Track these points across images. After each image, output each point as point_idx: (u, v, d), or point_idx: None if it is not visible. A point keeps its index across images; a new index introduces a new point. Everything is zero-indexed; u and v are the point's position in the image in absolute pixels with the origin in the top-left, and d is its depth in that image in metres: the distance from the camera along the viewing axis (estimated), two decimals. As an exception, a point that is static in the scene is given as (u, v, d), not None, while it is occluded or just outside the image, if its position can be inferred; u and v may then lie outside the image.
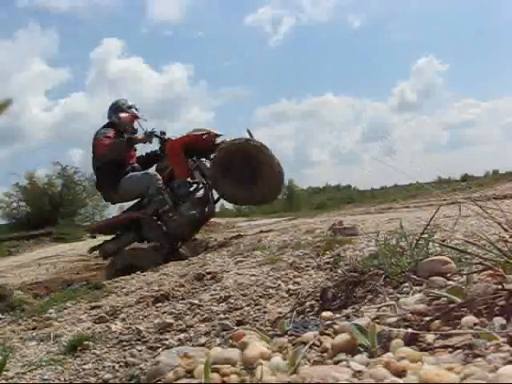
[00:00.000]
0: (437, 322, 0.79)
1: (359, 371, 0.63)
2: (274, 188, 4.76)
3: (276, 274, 2.40)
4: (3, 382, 1.72)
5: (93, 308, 2.71)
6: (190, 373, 0.75)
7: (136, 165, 5.08)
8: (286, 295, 2.11)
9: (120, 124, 5.07)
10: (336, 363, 0.70)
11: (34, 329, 2.51)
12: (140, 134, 5.05)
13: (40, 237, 13.21)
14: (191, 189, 5.01)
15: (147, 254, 4.73)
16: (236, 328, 1.79)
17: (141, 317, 2.31)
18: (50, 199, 19.09)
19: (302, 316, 1.60)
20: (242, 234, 5.30)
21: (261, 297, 2.17)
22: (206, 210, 5.01)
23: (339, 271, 1.80)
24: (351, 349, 0.73)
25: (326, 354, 0.75)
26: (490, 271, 0.95)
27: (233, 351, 0.78)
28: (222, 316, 2.07)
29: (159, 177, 4.87)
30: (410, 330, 0.76)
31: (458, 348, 0.67)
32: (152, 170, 5.06)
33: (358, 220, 4.28)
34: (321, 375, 0.62)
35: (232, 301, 2.19)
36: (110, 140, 4.84)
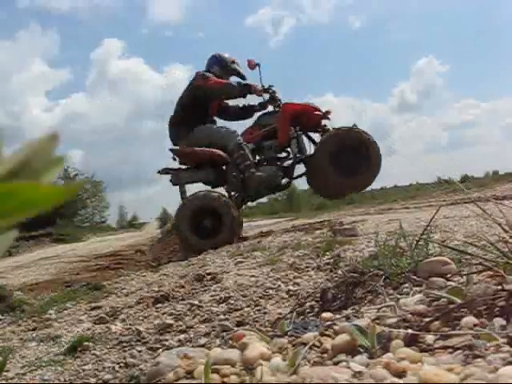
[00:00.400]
0: (437, 322, 0.79)
1: (359, 372, 0.63)
2: (372, 177, 4.78)
3: (276, 275, 2.40)
4: (3, 382, 1.72)
5: (93, 309, 2.71)
6: (189, 373, 0.75)
7: (214, 118, 5.08)
8: (286, 296, 2.11)
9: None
10: (336, 364, 0.70)
11: (33, 329, 2.51)
12: (258, 85, 4.98)
13: (40, 237, 13.22)
14: (280, 155, 5.01)
15: (223, 201, 4.78)
16: (236, 329, 1.79)
17: (141, 317, 2.31)
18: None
19: (301, 317, 1.60)
20: (244, 235, 5.30)
21: (261, 298, 2.17)
22: (283, 181, 5.00)
23: (339, 272, 1.80)
24: (351, 349, 0.73)
25: (325, 355, 0.75)
26: (489, 272, 0.95)
27: (233, 352, 0.78)
28: (221, 317, 2.07)
29: (238, 133, 4.87)
30: (409, 331, 0.76)
31: (457, 349, 0.67)
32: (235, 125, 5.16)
33: (358, 221, 4.28)
34: (321, 376, 0.63)
35: (232, 301, 2.19)
36: (220, 80, 4.82)
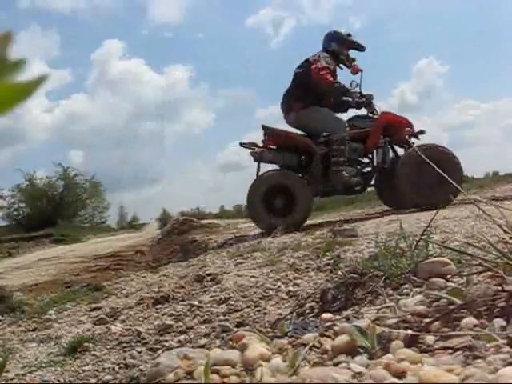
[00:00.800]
0: (437, 323, 0.79)
1: (359, 372, 0.63)
2: (452, 193, 4.74)
3: (276, 276, 2.40)
4: (3, 383, 1.72)
5: (93, 309, 2.71)
6: (189, 374, 0.75)
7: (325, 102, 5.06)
8: (286, 297, 2.11)
9: (337, 52, 5.09)
10: (336, 365, 0.70)
11: (33, 330, 2.51)
12: (356, 98, 5.07)
13: (40, 238, 13.21)
14: (363, 160, 5.08)
15: (300, 182, 4.84)
16: (236, 329, 1.79)
17: (141, 318, 2.31)
18: (50, 201, 19.10)
19: (301, 317, 1.60)
20: (243, 235, 5.30)
21: (261, 298, 2.17)
22: (359, 187, 5.06)
23: (339, 273, 1.80)
24: (351, 350, 0.73)
25: (325, 356, 0.75)
26: (490, 273, 0.95)
27: (233, 353, 0.78)
28: (221, 317, 2.07)
29: (347, 127, 4.89)
30: (409, 332, 0.76)
31: (457, 349, 0.67)
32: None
33: (358, 221, 4.28)
34: (321, 376, 0.63)
35: (232, 302, 2.19)
36: (332, 79, 4.86)
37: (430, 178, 4.50)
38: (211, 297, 2.32)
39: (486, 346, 0.66)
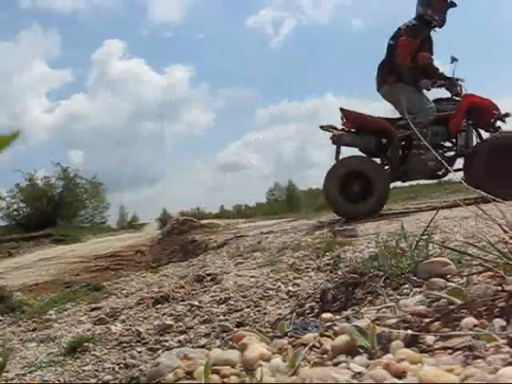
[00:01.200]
0: (437, 323, 0.79)
1: (359, 372, 0.63)
2: None
3: (276, 276, 2.40)
4: (3, 383, 1.72)
5: (93, 309, 2.71)
6: (189, 374, 0.75)
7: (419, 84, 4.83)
8: (286, 297, 2.11)
9: (429, 17, 4.79)
10: (336, 365, 0.70)
11: (33, 330, 2.51)
12: (439, 81, 4.86)
13: (40, 238, 13.22)
14: (445, 144, 4.90)
15: (377, 168, 4.72)
16: (236, 329, 1.79)
17: (141, 318, 2.31)
18: (49, 200, 19.10)
19: (301, 317, 1.60)
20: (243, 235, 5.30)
21: (261, 298, 2.17)
22: (441, 171, 4.90)
23: (339, 273, 1.80)
24: (351, 350, 0.73)
25: (325, 356, 0.75)
26: (490, 273, 0.95)
27: (233, 353, 0.78)
28: (221, 317, 2.07)
29: (435, 110, 4.71)
30: (409, 332, 0.76)
31: (457, 349, 0.67)
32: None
33: (358, 221, 4.28)
34: (321, 376, 0.62)
35: (232, 302, 2.19)
36: (408, 60, 4.64)
37: (508, 167, 4.31)
38: (211, 297, 2.32)
39: (486, 346, 0.66)
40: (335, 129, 4.92)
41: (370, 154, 4.94)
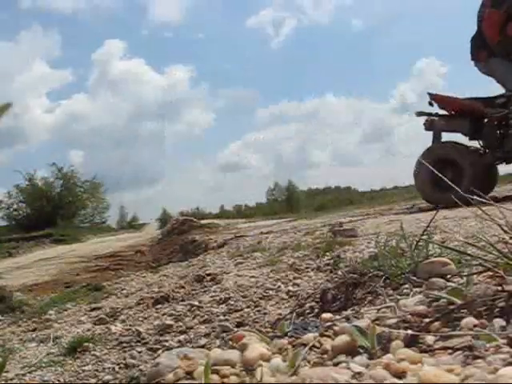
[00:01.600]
0: (437, 323, 0.79)
1: (359, 372, 0.63)
2: None
3: (276, 276, 2.40)
4: (3, 383, 1.72)
5: (93, 309, 2.71)
6: (189, 374, 0.75)
7: None
8: (286, 297, 2.11)
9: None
10: (336, 365, 0.70)
11: (33, 330, 2.51)
12: None
13: (40, 238, 13.22)
14: None
15: (467, 154, 4.49)
16: (236, 329, 1.79)
17: (141, 318, 2.31)
18: (49, 200, 19.10)
19: (301, 317, 1.60)
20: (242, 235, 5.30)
21: (261, 298, 2.17)
22: None
23: (339, 273, 1.80)
24: (351, 350, 0.73)
25: (325, 356, 0.75)
26: (489, 273, 0.95)
27: (233, 353, 0.78)
28: (221, 317, 2.07)
29: None
30: (409, 332, 0.76)
31: (457, 349, 0.67)
32: None
33: (358, 221, 4.28)
34: (321, 376, 0.62)
35: (232, 302, 2.19)
36: (495, 35, 4.36)
37: None
38: (211, 297, 2.32)
39: (486, 346, 0.66)
40: (428, 114, 4.77)
41: (468, 138, 4.72)
